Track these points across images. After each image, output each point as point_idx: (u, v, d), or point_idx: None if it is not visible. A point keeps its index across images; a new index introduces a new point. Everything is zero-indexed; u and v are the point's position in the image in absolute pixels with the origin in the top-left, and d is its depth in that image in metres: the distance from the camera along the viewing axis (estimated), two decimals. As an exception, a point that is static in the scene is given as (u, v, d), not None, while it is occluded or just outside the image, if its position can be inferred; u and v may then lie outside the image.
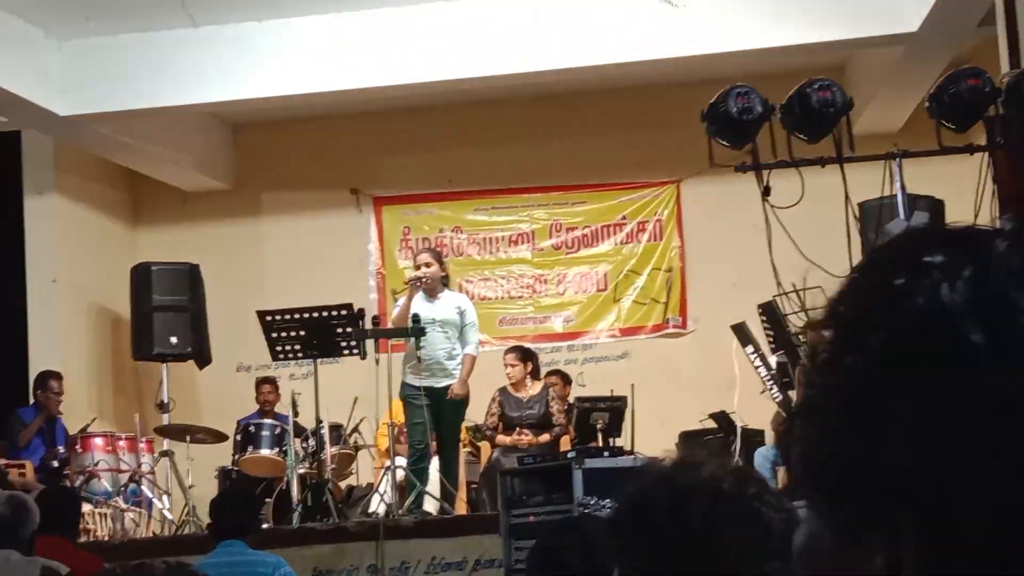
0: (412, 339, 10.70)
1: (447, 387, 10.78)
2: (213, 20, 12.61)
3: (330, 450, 11.51)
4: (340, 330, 11.11)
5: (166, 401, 13.50)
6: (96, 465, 11.91)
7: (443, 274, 11.06)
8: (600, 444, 11.17)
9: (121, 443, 12.26)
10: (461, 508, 11.36)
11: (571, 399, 12.71)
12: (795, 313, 11.23)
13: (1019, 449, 0.93)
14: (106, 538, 11.13)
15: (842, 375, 0.98)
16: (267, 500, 11.52)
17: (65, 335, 14.43)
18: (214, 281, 14.41)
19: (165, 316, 13.92)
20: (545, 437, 12.06)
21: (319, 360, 11.22)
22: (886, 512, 0.96)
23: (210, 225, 15.54)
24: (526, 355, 12.49)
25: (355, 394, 11.79)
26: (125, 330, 14.51)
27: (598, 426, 11.81)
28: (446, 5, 12.67)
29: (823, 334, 1.01)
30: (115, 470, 12.02)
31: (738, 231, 13.67)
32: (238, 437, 12.35)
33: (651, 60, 12.63)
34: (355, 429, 12.31)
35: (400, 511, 10.40)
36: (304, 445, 11.84)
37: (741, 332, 12.14)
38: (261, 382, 13.55)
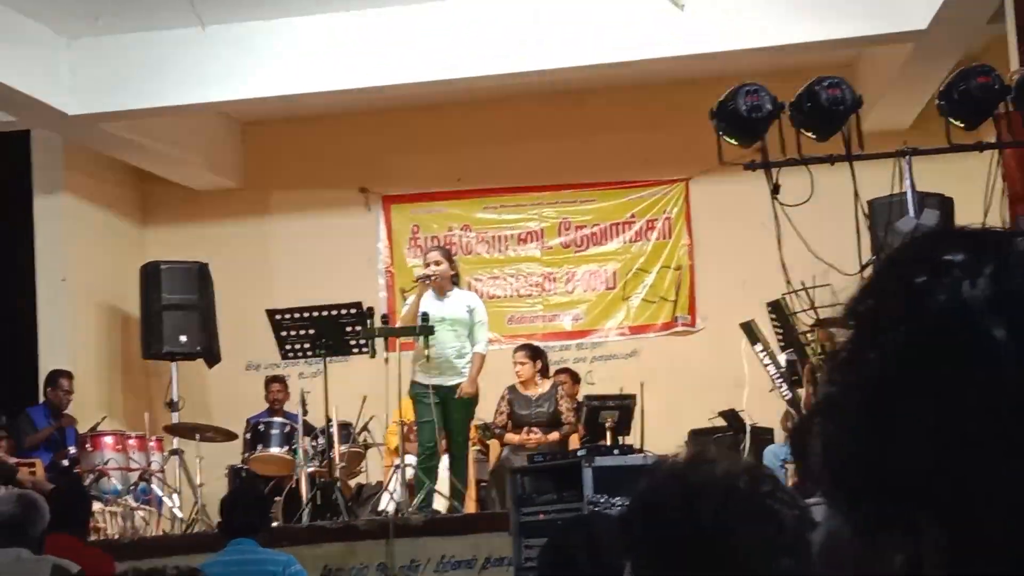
0: (421, 337, 10.69)
1: (456, 385, 10.77)
2: (222, 19, 12.62)
3: (339, 448, 11.51)
4: (349, 328, 11.11)
5: (175, 400, 13.52)
6: (106, 464, 11.93)
7: (453, 272, 11.05)
8: (609, 442, 11.17)
9: (131, 442, 12.27)
10: (470, 506, 11.36)
11: (580, 397, 12.71)
12: (804, 311, 11.22)
13: None
14: (116, 537, 11.15)
15: (863, 373, 0.98)
16: (276, 499, 11.53)
17: (74, 334, 14.44)
18: (223, 280, 14.42)
19: (174, 315, 13.94)
20: (554, 435, 12.05)
21: (328, 359, 11.22)
22: (906, 510, 0.96)
23: (219, 224, 15.55)
24: (535, 353, 12.48)
25: (364, 393, 11.80)
26: (134, 329, 14.53)
27: (607, 424, 11.82)
28: (455, 3, 12.68)
29: (842, 333, 1.01)
30: (125, 469, 12.03)
31: (747, 229, 13.65)
32: (247, 436, 12.36)
33: (660, 58, 12.63)
34: (364, 427, 12.31)
35: (410, 509, 10.40)
36: (313, 444, 11.85)
37: (750, 330, 12.14)
38: (270, 381, 13.56)
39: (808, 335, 11.14)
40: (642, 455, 9.16)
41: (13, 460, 11.75)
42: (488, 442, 12.61)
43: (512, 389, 12.25)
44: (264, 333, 11.79)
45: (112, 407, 14.36)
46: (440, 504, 10.82)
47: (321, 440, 11.69)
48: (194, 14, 12.28)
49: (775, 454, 11.15)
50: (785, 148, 9.01)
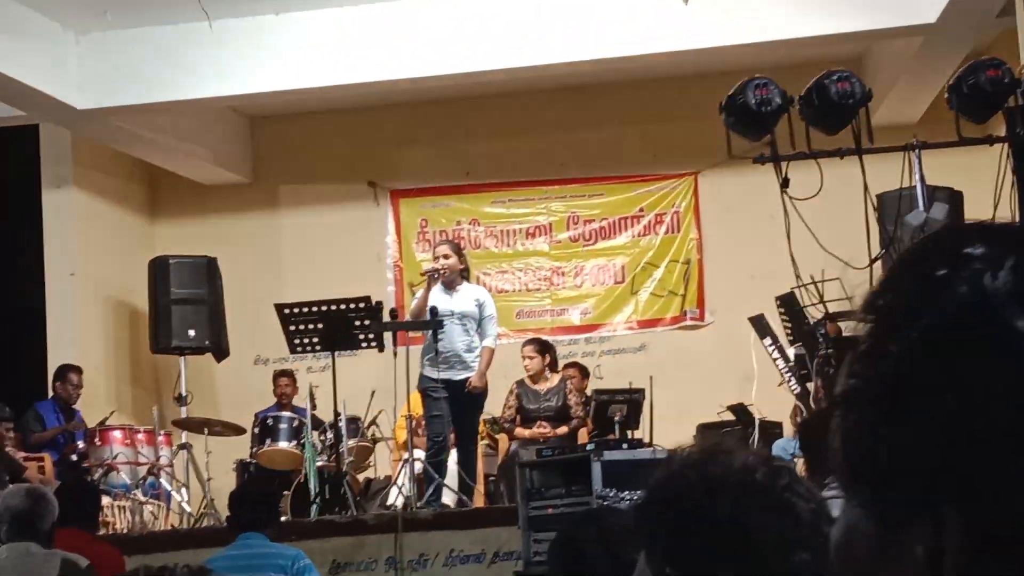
0: (430, 331, 10.69)
1: (465, 380, 10.77)
2: (231, 13, 12.61)
3: (348, 443, 11.52)
4: (358, 323, 11.11)
5: (184, 394, 13.53)
6: (115, 458, 11.94)
7: (462, 266, 11.04)
8: (618, 436, 11.17)
9: (139, 436, 12.29)
10: (479, 500, 11.36)
11: (589, 391, 12.71)
12: (813, 305, 11.21)
13: None
14: (125, 531, 11.16)
15: (883, 364, 0.98)
16: (285, 493, 11.53)
17: (83, 328, 14.46)
18: (232, 274, 14.43)
19: (183, 309, 13.94)
20: (563, 429, 12.06)
21: (337, 353, 11.22)
22: (928, 502, 0.96)
23: (228, 218, 15.56)
24: (544, 347, 12.49)
25: (373, 387, 11.81)
26: (143, 323, 14.55)
27: (616, 418, 11.81)
28: (463, -2, 12.67)
29: (861, 326, 1.01)
30: (133, 463, 12.06)
31: (756, 223, 13.65)
32: (256, 430, 12.37)
33: (669, 52, 12.61)
34: (373, 422, 12.32)
35: (418, 504, 10.40)
36: (322, 438, 11.85)
37: (759, 324, 12.14)
38: (278, 375, 13.57)
39: (817, 329, 11.13)
40: (651, 449, 9.14)
41: (21, 455, 11.77)
42: (497, 436, 12.62)
43: (521, 383, 12.25)
44: (272, 327, 11.80)
45: (121, 401, 14.37)
46: (448, 498, 10.82)
47: (329, 434, 11.69)
48: (201, 9, 12.27)
49: (784, 448, 11.13)
50: (794, 142, 9.00)
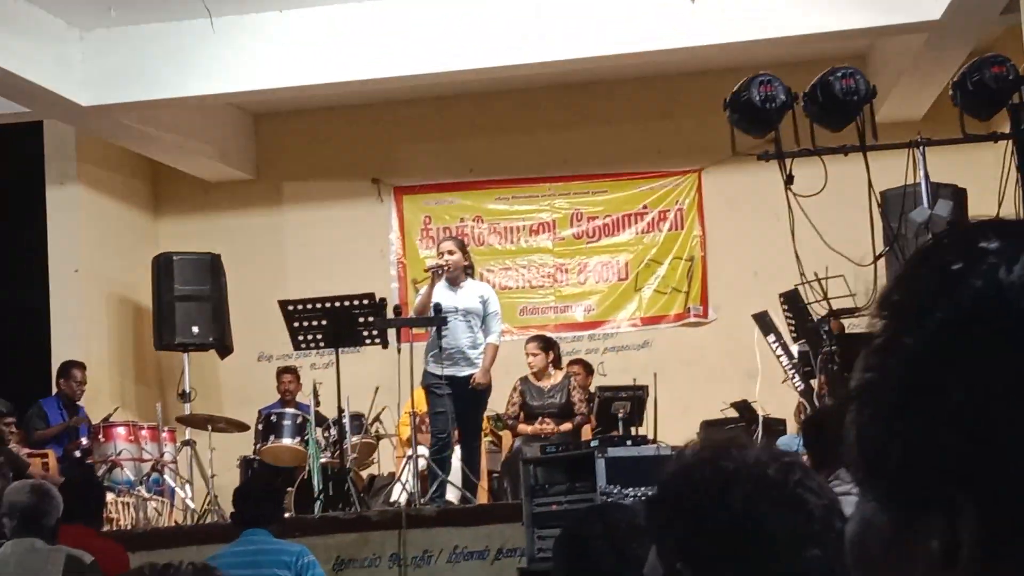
0: (434, 328, 10.69)
1: (469, 376, 10.76)
2: (234, 10, 12.61)
3: (351, 439, 11.52)
4: (362, 319, 11.12)
5: (188, 391, 13.55)
6: (118, 454, 11.95)
7: (466, 263, 11.04)
8: (621, 433, 11.17)
9: (143, 432, 12.30)
10: (483, 497, 11.36)
11: (592, 388, 12.71)
12: (817, 302, 11.21)
13: None
14: (129, 527, 11.17)
15: (900, 357, 0.99)
16: (288, 489, 11.54)
17: (87, 325, 14.46)
18: (235, 271, 14.44)
19: (187, 306, 13.96)
20: (567, 426, 12.07)
21: (340, 349, 11.22)
22: (944, 495, 0.96)
23: (231, 215, 15.57)
24: (547, 344, 12.49)
25: (376, 383, 11.81)
26: (147, 320, 14.56)
27: (619, 415, 11.81)
28: (467, -6, 12.67)
29: (876, 323, 1.02)
30: (137, 459, 12.06)
31: (759, 220, 13.67)
32: (260, 426, 12.38)
33: (673, 49, 12.61)
34: (376, 418, 12.32)
35: (422, 500, 10.40)
36: (326, 434, 11.86)
37: (763, 321, 12.13)
38: (282, 372, 13.57)
39: (821, 326, 11.13)
40: (655, 446, 9.15)
41: (25, 451, 11.77)
42: (500, 433, 12.62)
43: (524, 380, 12.26)
44: (276, 324, 11.80)
45: (124, 398, 14.39)
46: (452, 495, 10.82)
47: (333, 431, 11.70)
48: (205, 6, 12.27)
49: (788, 445, 11.12)
50: (799, 139, 8.99)
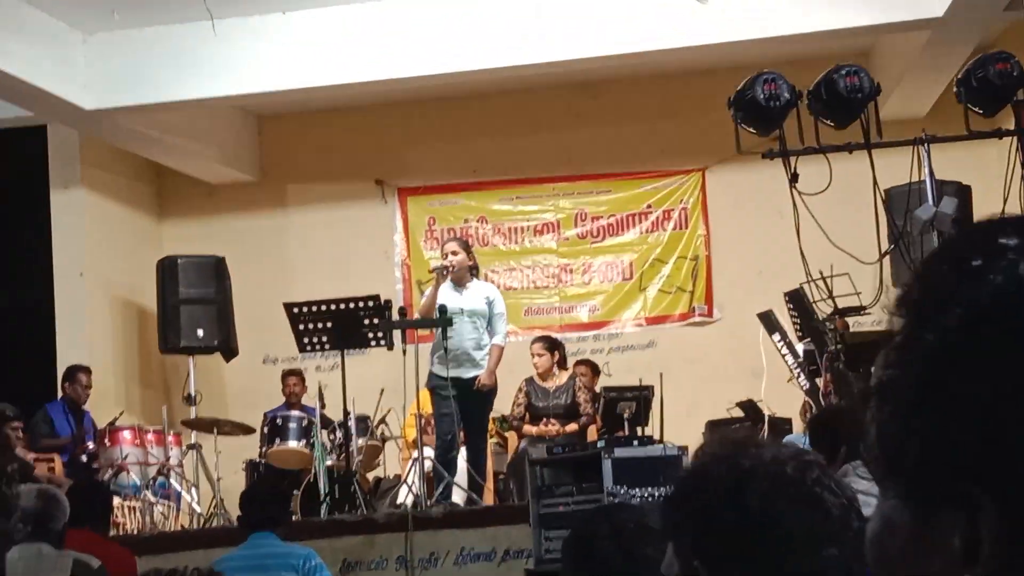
0: (439, 329, 10.68)
1: (475, 378, 10.75)
2: (238, 12, 12.61)
3: (357, 442, 11.51)
4: (367, 321, 11.11)
5: (193, 394, 13.54)
6: (124, 459, 11.95)
7: (471, 263, 11.03)
8: (626, 433, 11.16)
9: (149, 436, 12.30)
10: (489, 499, 11.35)
11: (598, 388, 12.70)
12: (823, 300, 11.19)
13: None
14: (135, 532, 11.16)
15: (919, 353, 0.98)
16: (294, 492, 11.53)
17: (92, 329, 14.47)
18: (240, 273, 14.44)
19: (191, 309, 13.96)
20: (572, 427, 12.06)
21: (346, 351, 11.22)
22: (965, 491, 0.96)
23: (236, 217, 15.57)
24: (553, 345, 12.49)
25: (382, 385, 11.80)
26: (152, 323, 14.56)
27: (625, 415, 11.80)
28: (470, -5, 12.67)
29: (896, 321, 1.01)
30: (143, 463, 12.06)
31: (764, 219, 13.66)
32: (265, 429, 12.37)
33: (676, 48, 12.60)
34: (382, 420, 12.31)
35: (428, 502, 10.39)
36: (331, 437, 11.85)
37: (768, 320, 12.11)
38: (287, 374, 13.57)
39: (826, 324, 11.11)
40: (661, 446, 9.13)
41: (32, 456, 11.77)
42: (506, 434, 12.61)
43: (530, 381, 12.25)
44: (281, 326, 11.80)
45: (130, 402, 14.38)
46: (458, 496, 10.82)
47: (339, 433, 11.69)
48: (207, 9, 12.27)
49: (794, 444, 11.10)
50: (803, 137, 8.98)
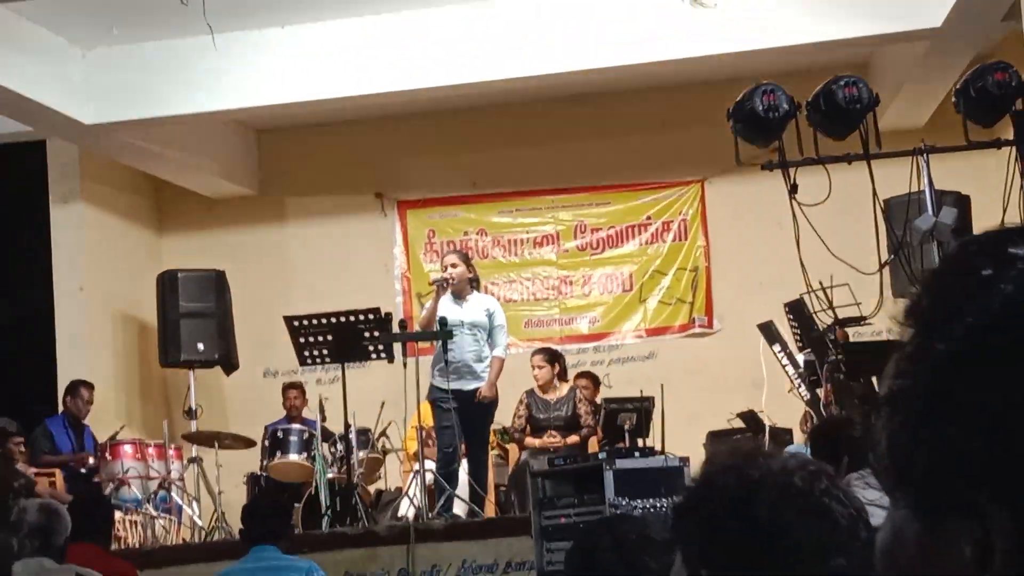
0: (440, 342, 10.69)
1: (475, 390, 10.76)
2: (237, 26, 12.62)
3: (358, 454, 11.51)
4: (368, 334, 11.12)
5: (194, 408, 13.54)
6: (126, 473, 11.95)
7: (471, 276, 11.04)
8: (627, 445, 11.16)
9: (150, 450, 12.30)
10: (490, 511, 11.35)
11: (598, 400, 12.70)
12: (823, 311, 11.20)
13: None
14: (137, 545, 11.16)
15: (930, 362, 0.99)
16: (295, 505, 11.53)
17: (92, 343, 14.47)
18: (240, 287, 14.44)
19: (192, 323, 13.96)
20: (573, 439, 12.05)
21: (346, 364, 11.22)
22: (976, 500, 0.96)
23: (235, 231, 15.57)
24: (553, 357, 12.49)
25: (382, 398, 11.80)
26: (152, 337, 14.56)
27: (625, 427, 11.79)
28: (468, 8, 12.68)
29: (905, 331, 1.02)
30: (144, 477, 12.06)
31: (763, 230, 13.67)
32: (266, 443, 12.37)
33: (675, 59, 12.62)
34: (383, 433, 12.31)
35: (430, 514, 10.39)
36: (332, 450, 11.85)
37: (768, 331, 12.12)
38: (287, 387, 13.57)
39: (826, 335, 11.11)
40: (663, 457, 9.14)
41: (33, 470, 11.77)
42: (507, 446, 12.60)
43: (530, 393, 12.25)
44: (281, 340, 11.81)
45: (130, 416, 14.38)
46: (459, 509, 10.81)
47: (340, 446, 11.69)
48: (207, 23, 12.28)
49: (801, 454, 11.10)
50: (802, 148, 8.99)
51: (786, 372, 11.95)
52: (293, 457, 12.14)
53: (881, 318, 10.03)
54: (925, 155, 9.13)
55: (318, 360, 11.47)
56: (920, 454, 0.98)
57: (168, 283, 14.11)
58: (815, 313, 11.24)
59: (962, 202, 10.84)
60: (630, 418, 11.90)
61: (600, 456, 9.08)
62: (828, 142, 9.11)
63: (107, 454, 12.14)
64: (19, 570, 6.75)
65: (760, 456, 1.74)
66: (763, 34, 12.27)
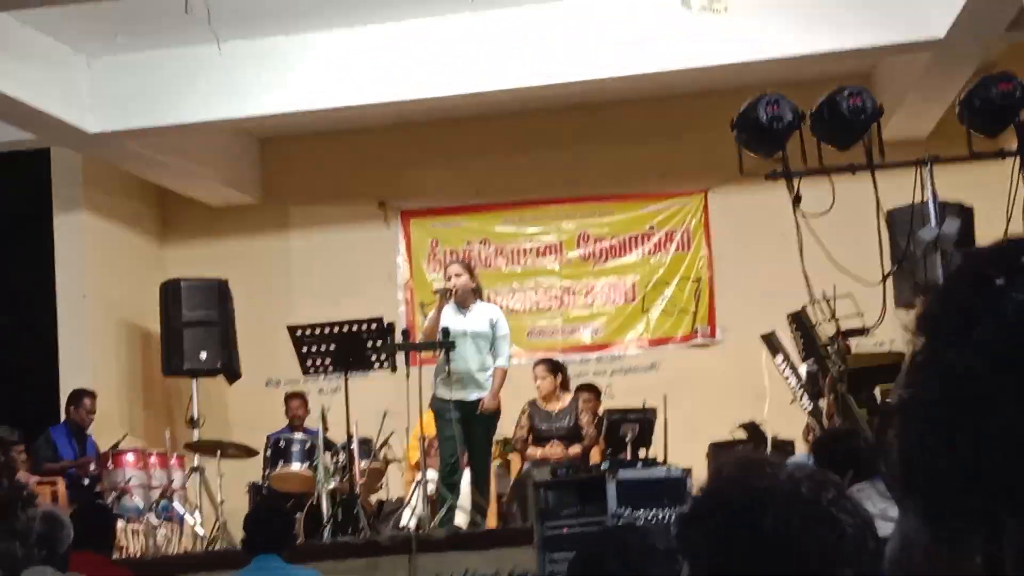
0: (443, 352, 10.67)
1: (478, 400, 10.74)
2: (241, 35, 12.63)
3: (360, 464, 11.49)
4: (371, 344, 11.11)
5: (196, 417, 13.53)
6: (128, 482, 11.94)
7: (474, 285, 11.04)
8: (629, 455, 11.15)
9: (152, 459, 12.30)
10: (492, 521, 11.34)
11: (600, 411, 12.69)
12: (826, 321, 11.18)
13: None
14: (139, 554, 11.15)
15: (943, 371, 0.98)
16: (297, 515, 11.51)
17: (95, 351, 14.46)
18: (243, 296, 14.44)
19: (195, 332, 13.96)
20: (575, 449, 12.04)
21: (349, 373, 11.21)
22: (987, 511, 0.95)
23: (238, 240, 15.57)
24: (555, 367, 12.48)
25: (385, 408, 11.79)
26: (155, 346, 14.55)
27: (627, 437, 11.78)
28: (471, 17, 12.68)
29: (916, 341, 1.01)
30: (147, 486, 12.05)
31: (766, 240, 13.65)
32: (268, 452, 12.35)
33: (678, 69, 12.62)
34: (385, 443, 12.29)
35: (432, 525, 10.37)
36: (334, 459, 11.83)
37: (771, 342, 12.10)
38: (290, 397, 13.56)
39: (829, 346, 11.10)
40: (665, 468, 9.13)
41: (35, 479, 11.76)
42: (509, 457, 12.59)
43: (533, 404, 12.24)
44: (284, 349, 11.80)
45: (133, 424, 14.37)
46: (461, 519, 10.79)
47: (342, 456, 11.67)
48: (211, 31, 12.29)
49: (807, 465, 11.06)
50: (806, 158, 8.99)
51: (788, 383, 11.93)
52: (295, 467, 12.12)
53: (884, 329, 10.02)
54: (929, 165, 9.13)
55: (321, 369, 11.46)
56: (931, 463, 0.98)
57: (171, 292, 14.11)
58: (818, 324, 11.22)
59: (965, 213, 10.83)
60: (632, 429, 11.88)
61: (603, 467, 9.08)
62: (832, 152, 9.11)
63: (109, 463, 12.13)
64: (21, 579, 6.74)
65: (767, 466, 1.73)
66: (767, 44, 12.27)
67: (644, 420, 12.03)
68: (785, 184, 8.97)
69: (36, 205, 14.50)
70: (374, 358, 11.17)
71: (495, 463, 12.14)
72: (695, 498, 1.77)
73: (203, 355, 13.92)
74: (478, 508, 10.85)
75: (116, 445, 12.47)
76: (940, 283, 1.04)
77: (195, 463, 12.65)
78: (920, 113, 13.47)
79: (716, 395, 14.05)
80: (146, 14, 12.33)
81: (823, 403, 11.17)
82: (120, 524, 10.97)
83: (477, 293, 11.08)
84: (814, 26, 12.14)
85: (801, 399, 11.76)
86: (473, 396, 10.74)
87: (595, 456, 11.92)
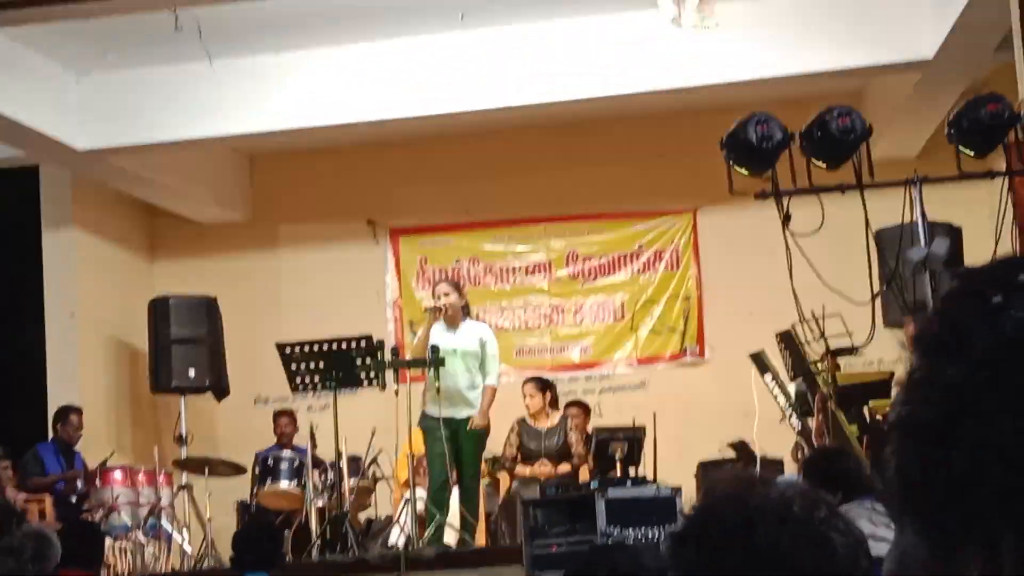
0: (432, 369, 10.67)
1: (467, 418, 10.74)
2: (231, 53, 12.64)
3: (349, 482, 11.48)
4: (360, 361, 11.10)
5: (184, 434, 13.51)
6: (115, 499, 11.91)
7: (463, 303, 11.04)
8: (619, 474, 11.15)
9: (140, 477, 12.28)
10: (481, 539, 11.32)
11: (589, 429, 12.68)
12: (815, 340, 11.19)
13: None
14: (126, 572, 11.12)
15: (942, 388, 0.99)
16: (286, 533, 11.49)
17: (83, 369, 14.44)
18: (231, 314, 14.43)
19: (183, 349, 13.95)
20: (564, 467, 12.04)
21: (337, 392, 11.20)
22: (985, 526, 0.96)
23: (227, 258, 15.56)
24: (544, 386, 12.48)
25: (373, 425, 11.77)
26: (143, 363, 14.53)
27: (616, 456, 11.77)
28: (461, 36, 12.70)
29: (914, 358, 1.02)
30: (134, 504, 12.02)
31: (755, 259, 13.65)
32: (256, 470, 12.34)
33: (668, 89, 12.65)
34: (374, 461, 12.28)
35: (420, 543, 10.36)
36: (323, 477, 11.81)
37: (759, 361, 12.11)
38: (278, 415, 13.54)
39: (818, 365, 11.11)
40: (654, 486, 9.12)
41: (22, 496, 11.72)
42: (498, 475, 12.58)
43: (522, 422, 12.23)
44: (272, 367, 11.78)
45: (121, 442, 14.33)
46: (450, 537, 10.78)
47: (330, 474, 11.65)
48: (203, 48, 12.30)
49: (800, 483, 11.05)
50: (795, 177, 9.00)
51: (777, 402, 11.94)
52: (284, 484, 12.11)
53: (873, 348, 10.03)
54: (918, 185, 9.15)
55: (309, 387, 11.44)
56: (930, 480, 0.98)
57: (159, 309, 14.10)
58: (807, 343, 11.23)
59: (954, 233, 10.86)
60: (621, 447, 11.87)
61: (592, 485, 9.07)
62: (821, 172, 9.12)
63: (97, 480, 12.10)
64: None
65: (759, 484, 1.73)
66: (756, 64, 12.31)
67: (633, 438, 12.03)
68: (775, 203, 8.98)
69: (25, 222, 14.48)
70: (363, 375, 11.16)
71: (484, 482, 12.12)
72: (687, 516, 1.77)
73: (191, 372, 13.90)
74: (467, 526, 10.84)
75: (104, 462, 12.44)
76: (937, 301, 1.05)
77: (183, 481, 12.63)
78: (909, 133, 13.50)
79: (705, 414, 14.05)
80: (135, 32, 12.33)
81: (812, 422, 11.17)
82: (108, 542, 10.95)
83: (466, 311, 11.08)
84: (804, 46, 12.18)
85: (790, 418, 11.77)
86: (462, 414, 10.73)
87: (584, 474, 11.91)
